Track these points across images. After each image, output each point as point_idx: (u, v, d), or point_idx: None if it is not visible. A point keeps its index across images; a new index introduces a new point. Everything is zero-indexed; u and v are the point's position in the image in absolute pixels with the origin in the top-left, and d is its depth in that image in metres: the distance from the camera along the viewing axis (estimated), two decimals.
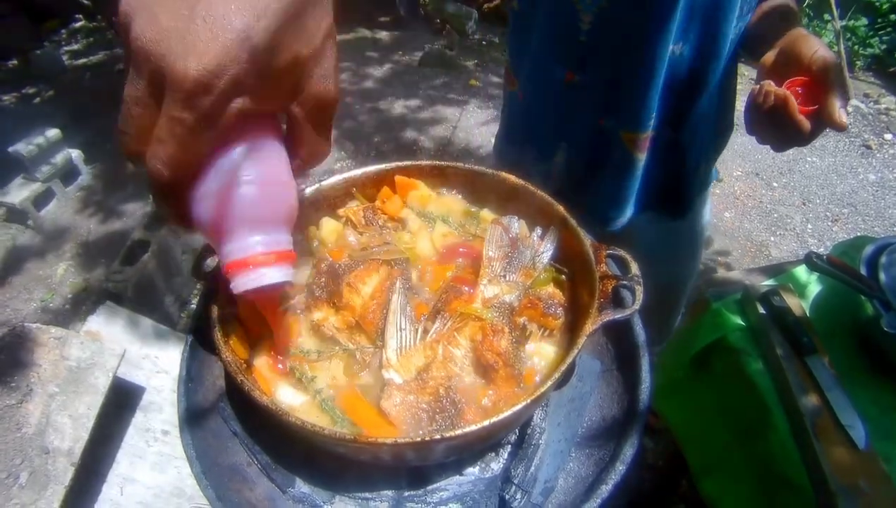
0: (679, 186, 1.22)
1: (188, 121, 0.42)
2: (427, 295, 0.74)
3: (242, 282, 0.53)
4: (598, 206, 1.22)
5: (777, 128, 0.85)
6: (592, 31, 1.00)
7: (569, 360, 0.58)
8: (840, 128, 0.80)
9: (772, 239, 3.09)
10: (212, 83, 0.40)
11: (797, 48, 0.86)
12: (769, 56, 0.91)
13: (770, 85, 0.83)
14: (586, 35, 1.01)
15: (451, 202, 0.87)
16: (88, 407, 1.27)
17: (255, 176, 0.50)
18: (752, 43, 1.03)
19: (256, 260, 0.52)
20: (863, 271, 0.99)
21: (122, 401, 1.46)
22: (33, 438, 1.17)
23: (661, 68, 0.99)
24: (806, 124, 0.81)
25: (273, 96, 0.47)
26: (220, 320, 0.64)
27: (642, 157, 1.12)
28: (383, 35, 5.67)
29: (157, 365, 1.61)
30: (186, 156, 0.44)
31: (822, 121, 0.81)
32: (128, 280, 2.31)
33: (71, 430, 1.22)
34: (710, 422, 1.19)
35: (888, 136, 3.79)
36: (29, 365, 1.26)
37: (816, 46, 0.85)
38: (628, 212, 1.22)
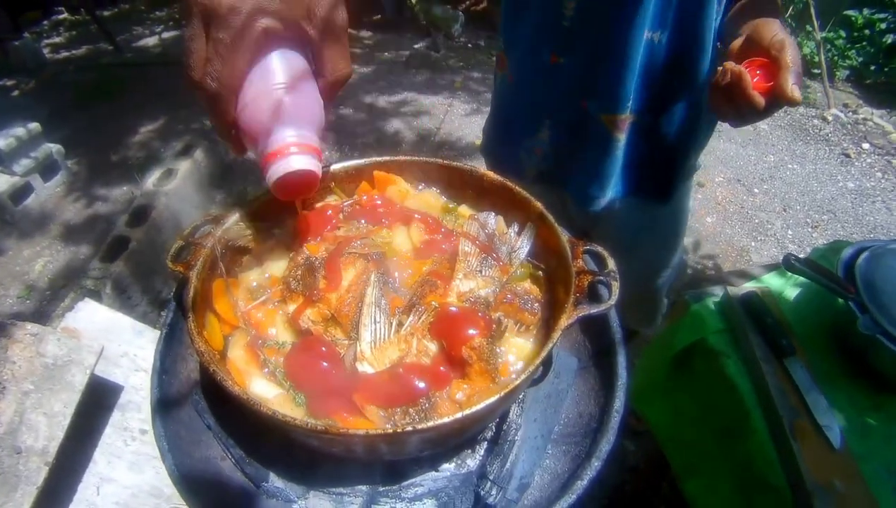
0: (662, 171, 1.26)
1: (226, 39, 0.56)
2: (403, 289, 0.73)
3: (275, 170, 0.61)
4: (581, 184, 1.27)
5: (733, 103, 0.88)
6: (575, 17, 1.07)
7: (543, 354, 0.58)
8: (791, 102, 0.83)
9: (752, 244, 3.12)
10: (239, 7, 0.55)
11: (759, 32, 0.90)
12: (736, 42, 0.95)
13: (729, 64, 0.87)
14: (570, 20, 1.08)
15: (430, 197, 0.87)
16: (65, 405, 1.24)
17: (286, 83, 0.60)
18: (727, 36, 1.05)
19: (288, 149, 0.61)
20: (840, 273, 1.00)
21: (99, 400, 1.43)
22: (4, 437, 1.14)
23: (636, 54, 1.05)
24: (759, 99, 0.84)
25: (290, 16, 0.59)
26: (195, 311, 0.63)
27: (621, 137, 1.17)
28: (369, 35, 5.68)
29: (136, 363, 1.58)
30: (228, 68, 0.58)
31: (777, 97, 0.84)
32: (107, 277, 2.28)
33: (45, 429, 1.19)
34: (690, 424, 1.20)
35: (866, 146, 3.85)
36: (3, 362, 1.22)
37: (776, 30, 0.88)
38: (609, 192, 1.26)
